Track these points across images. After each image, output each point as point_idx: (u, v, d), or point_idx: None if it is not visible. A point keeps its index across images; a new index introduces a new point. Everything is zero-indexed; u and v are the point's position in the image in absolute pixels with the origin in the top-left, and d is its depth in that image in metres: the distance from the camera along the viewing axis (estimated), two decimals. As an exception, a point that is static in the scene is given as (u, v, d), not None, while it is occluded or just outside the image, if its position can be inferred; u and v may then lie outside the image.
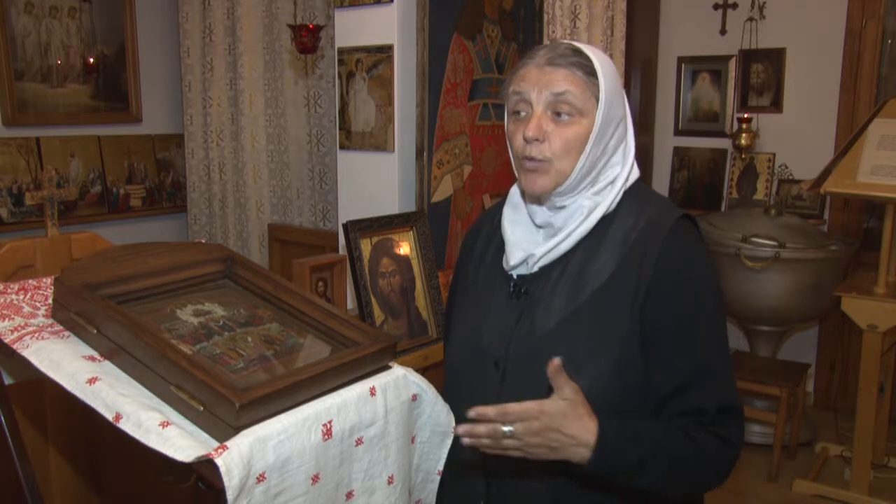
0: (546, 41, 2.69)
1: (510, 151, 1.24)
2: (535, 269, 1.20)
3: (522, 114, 1.18)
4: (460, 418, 1.22)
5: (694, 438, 1.11)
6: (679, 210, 1.21)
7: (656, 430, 1.11)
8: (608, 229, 1.19)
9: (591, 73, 1.15)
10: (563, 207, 1.20)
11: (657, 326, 1.13)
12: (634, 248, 1.16)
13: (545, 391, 1.11)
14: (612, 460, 1.06)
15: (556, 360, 1.03)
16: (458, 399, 1.24)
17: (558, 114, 1.15)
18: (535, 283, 1.21)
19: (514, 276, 1.23)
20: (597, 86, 1.15)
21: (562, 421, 1.03)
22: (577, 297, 1.16)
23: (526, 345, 1.18)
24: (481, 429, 1.03)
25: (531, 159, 1.16)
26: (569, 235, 1.18)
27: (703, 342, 1.15)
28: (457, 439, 1.21)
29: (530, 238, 1.23)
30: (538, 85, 1.15)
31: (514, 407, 1.03)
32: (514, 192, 1.30)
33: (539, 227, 1.23)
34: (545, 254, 1.19)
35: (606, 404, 1.10)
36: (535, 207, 1.24)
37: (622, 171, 1.21)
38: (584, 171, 1.17)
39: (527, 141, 1.16)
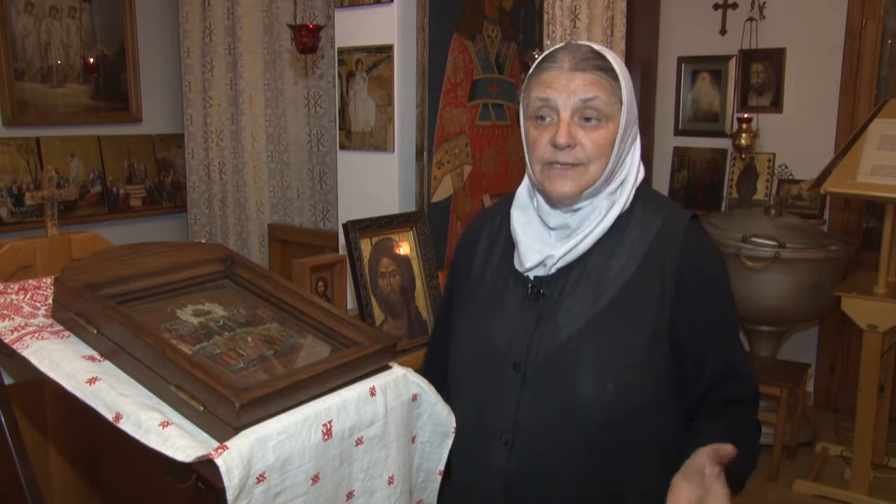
0: (546, 41, 2.69)
1: (528, 156, 1.21)
2: (553, 270, 1.20)
3: (547, 119, 1.16)
4: (464, 419, 1.21)
5: (751, 433, 1.23)
6: (687, 211, 1.22)
7: (736, 437, 1.14)
8: (624, 229, 1.19)
9: (614, 77, 1.15)
10: (579, 209, 1.19)
11: (690, 330, 1.16)
12: (654, 248, 1.17)
13: (567, 392, 1.14)
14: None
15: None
16: (467, 400, 1.24)
17: (586, 119, 1.14)
18: (552, 285, 1.20)
19: (531, 278, 1.22)
20: (620, 89, 1.15)
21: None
22: (600, 299, 1.16)
23: (549, 347, 1.17)
24: None
25: (562, 164, 1.15)
26: (587, 236, 1.17)
27: (732, 335, 1.23)
28: (457, 439, 1.21)
29: (543, 239, 1.22)
30: (566, 91, 1.14)
31: None
32: (521, 193, 1.28)
33: (552, 229, 1.22)
34: (564, 255, 1.18)
35: (631, 407, 1.12)
36: (548, 210, 1.22)
37: (631, 169, 1.21)
38: (607, 173, 1.17)
39: (557, 147, 1.14)
